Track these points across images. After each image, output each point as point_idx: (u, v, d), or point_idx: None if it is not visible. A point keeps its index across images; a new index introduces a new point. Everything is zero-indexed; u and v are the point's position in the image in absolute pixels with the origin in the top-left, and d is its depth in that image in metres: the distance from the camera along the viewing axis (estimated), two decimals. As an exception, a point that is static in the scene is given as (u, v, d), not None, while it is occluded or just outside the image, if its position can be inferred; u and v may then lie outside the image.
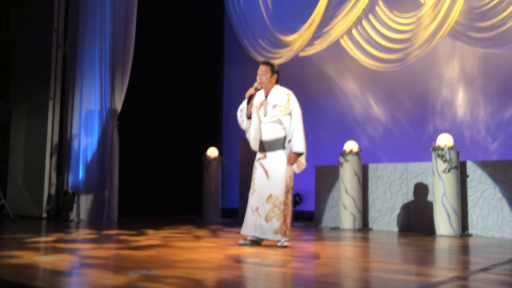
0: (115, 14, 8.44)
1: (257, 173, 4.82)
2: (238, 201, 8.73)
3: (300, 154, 4.70)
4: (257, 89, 4.88)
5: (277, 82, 4.94)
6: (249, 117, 4.91)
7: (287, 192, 4.71)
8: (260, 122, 4.85)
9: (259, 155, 4.88)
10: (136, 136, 9.58)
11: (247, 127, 4.94)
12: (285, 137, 4.75)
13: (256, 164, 4.87)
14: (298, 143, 4.64)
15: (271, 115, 4.78)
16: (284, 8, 9.58)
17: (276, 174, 4.70)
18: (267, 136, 4.80)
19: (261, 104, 4.88)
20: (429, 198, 6.84)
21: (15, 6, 9.57)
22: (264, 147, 4.82)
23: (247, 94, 4.87)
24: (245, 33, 9.96)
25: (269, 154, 4.79)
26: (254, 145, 4.88)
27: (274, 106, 4.79)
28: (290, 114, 4.75)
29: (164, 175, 9.95)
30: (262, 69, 4.88)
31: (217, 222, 8.46)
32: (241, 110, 4.99)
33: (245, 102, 4.91)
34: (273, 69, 4.90)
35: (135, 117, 9.26)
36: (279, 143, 4.76)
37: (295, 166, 4.76)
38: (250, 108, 4.90)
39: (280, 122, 4.75)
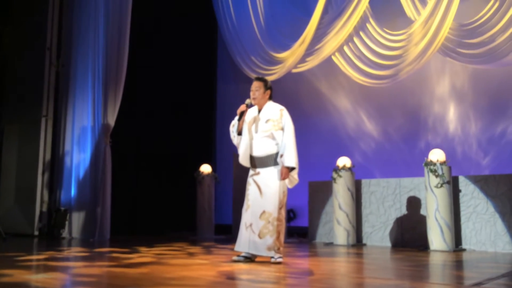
0: (108, 31, 8.48)
1: (251, 190, 4.82)
2: (232, 217, 8.71)
3: (292, 169, 4.71)
4: (248, 106, 4.91)
5: (271, 98, 4.97)
6: (239, 133, 4.93)
7: (280, 208, 4.70)
8: (251, 138, 4.87)
9: (252, 171, 4.89)
10: (129, 152, 9.55)
11: (237, 143, 4.96)
12: (277, 153, 4.76)
13: (249, 180, 4.87)
14: (290, 158, 4.66)
15: (263, 130, 4.80)
16: (276, 26, 9.67)
17: (269, 190, 4.70)
18: (259, 152, 4.81)
19: (254, 120, 4.90)
20: (422, 213, 6.85)
21: (8, 25, 9.59)
22: (257, 162, 4.83)
23: (239, 111, 4.89)
24: (238, 50, 10.03)
25: (262, 170, 4.79)
26: (243, 160, 4.90)
27: (267, 121, 4.82)
28: (282, 129, 4.77)
29: (157, 192, 9.90)
30: (255, 85, 4.92)
31: (210, 238, 8.42)
32: (233, 125, 5.02)
33: (236, 118, 4.94)
34: (266, 85, 4.94)
35: (128, 134, 9.25)
36: (272, 159, 4.77)
37: (287, 181, 4.77)
38: (242, 124, 4.92)
39: (273, 137, 4.77)
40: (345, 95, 9.48)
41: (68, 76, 8.89)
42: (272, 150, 4.78)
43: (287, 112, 4.87)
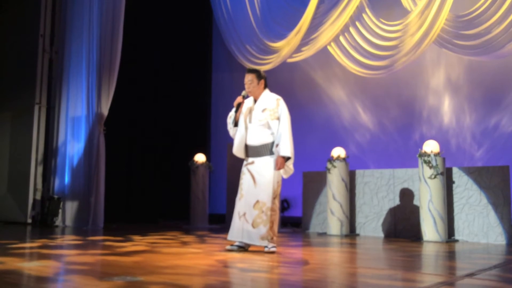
0: (102, 19, 8.41)
1: (245, 179, 4.81)
2: (226, 207, 8.71)
3: (287, 159, 4.69)
4: (244, 97, 4.89)
5: (266, 86, 4.95)
6: (236, 124, 4.92)
7: (274, 198, 4.69)
8: (246, 129, 4.85)
9: (246, 160, 4.87)
10: (123, 141, 9.52)
11: (233, 134, 4.95)
12: (273, 143, 4.74)
13: (244, 169, 4.86)
14: (286, 147, 4.63)
15: (259, 119, 4.78)
16: (272, 15, 9.61)
17: (263, 180, 4.69)
18: (254, 141, 4.79)
19: (250, 110, 4.89)
20: (416, 204, 6.88)
21: (1, 11, 9.48)
22: (252, 152, 4.81)
23: (235, 103, 4.88)
24: (233, 40, 9.97)
25: (257, 160, 4.78)
26: (237, 151, 4.89)
27: (263, 110, 4.80)
28: (278, 118, 4.75)
29: (151, 180, 9.90)
30: (248, 78, 4.89)
31: (204, 228, 8.43)
32: (230, 117, 5.00)
33: (233, 110, 4.93)
34: (260, 76, 4.91)
35: (122, 123, 9.21)
36: (267, 149, 4.75)
37: (282, 171, 4.75)
38: (238, 115, 4.91)
39: (269, 127, 4.75)
40: (341, 85, 9.46)
41: (62, 63, 8.83)
42: (268, 140, 4.76)
43: (284, 102, 4.84)
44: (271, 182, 4.69)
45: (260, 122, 4.77)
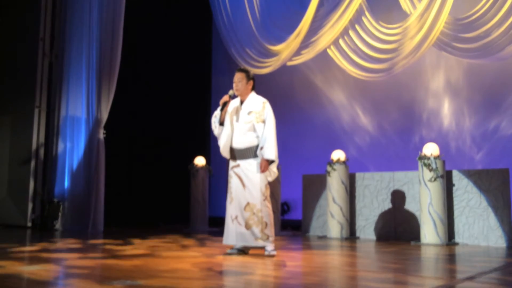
0: (102, 22, 8.42)
1: (233, 182, 4.82)
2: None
3: (271, 162, 4.71)
4: (231, 97, 4.91)
5: (253, 88, 4.97)
6: (221, 123, 4.93)
7: (264, 200, 4.70)
8: (233, 130, 4.86)
9: (232, 163, 4.89)
10: (123, 144, 9.52)
11: (218, 133, 4.96)
12: (257, 146, 4.76)
13: (231, 172, 4.87)
14: (270, 150, 4.66)
15: (245, 121, 4.80)
16: (271, 18, 9.62)
17: (250, 182, 4.72)
18: (240, 144, 4.81)
19: (236, 110, 4.90)
20: (416, 206, 6.87)
21: (1, 15, 9.50)
22: (237, 154, 4.82)
23: (221, 101, 4.89)
24: (233, 43, 9.98)
25: (242, 163, 4.79)
26: (223, 151, 4.90)
27: (249, 113, 4.81)
28: (264, 121, 4.76)
29: (151, 184, 9.89)
30: (237, 76, 4.92)
31: (204, 231, 8.42)
32: (215, 116, 5.01)
33: (219, 109, 4.94)
34: (249, 76, 4.94)
35: (121, 126, 9.21)
36: (252, 152, 4.77)
37: (266, 174, 4.76)
38: (224, 114, 4.93)
39: (254, 129, 4.76)
40: (340, 88, 9.47)
41: (62, 67, 8.83)
42: (253, 143, 4.77)
43: (270, 105, 4.87)
44: (258, 185, 4.71)
45: (246, 124, 4.78)
